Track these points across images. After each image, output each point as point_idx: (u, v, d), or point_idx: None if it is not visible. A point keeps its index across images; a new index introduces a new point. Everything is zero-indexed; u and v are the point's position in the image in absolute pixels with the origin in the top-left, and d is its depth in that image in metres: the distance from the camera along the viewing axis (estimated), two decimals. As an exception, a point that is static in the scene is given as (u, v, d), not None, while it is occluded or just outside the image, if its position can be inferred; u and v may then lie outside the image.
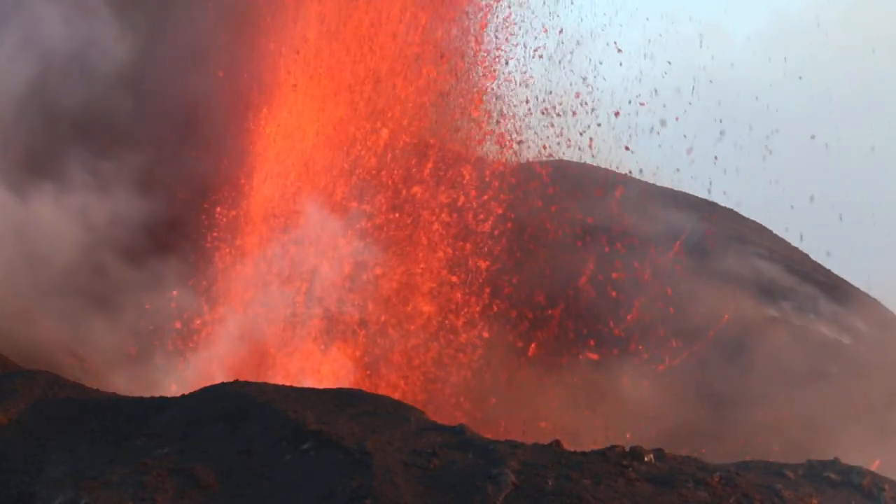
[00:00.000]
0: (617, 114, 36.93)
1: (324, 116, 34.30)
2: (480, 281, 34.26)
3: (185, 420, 21.99)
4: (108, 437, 21.87)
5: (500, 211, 35.09)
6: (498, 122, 36.56)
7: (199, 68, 34.38)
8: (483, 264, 34.49)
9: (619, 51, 37.37)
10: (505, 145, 36.55)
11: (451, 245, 34.44)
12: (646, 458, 21.35)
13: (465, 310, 33.84)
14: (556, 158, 37.75)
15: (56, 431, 22.07)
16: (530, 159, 37.57)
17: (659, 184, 40.35)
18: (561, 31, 36.86)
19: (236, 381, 23.45)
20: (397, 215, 34.23)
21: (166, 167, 33.84)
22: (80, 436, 21.96)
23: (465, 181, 35.19)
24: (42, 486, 20.51)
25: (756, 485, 21.45)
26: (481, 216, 34.96)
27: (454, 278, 34.06)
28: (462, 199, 34.94)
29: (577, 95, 36.84)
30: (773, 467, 23.37)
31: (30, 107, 32.90)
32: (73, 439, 21.83)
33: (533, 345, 33.49)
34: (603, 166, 38.57)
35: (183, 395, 23.24)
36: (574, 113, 37.09)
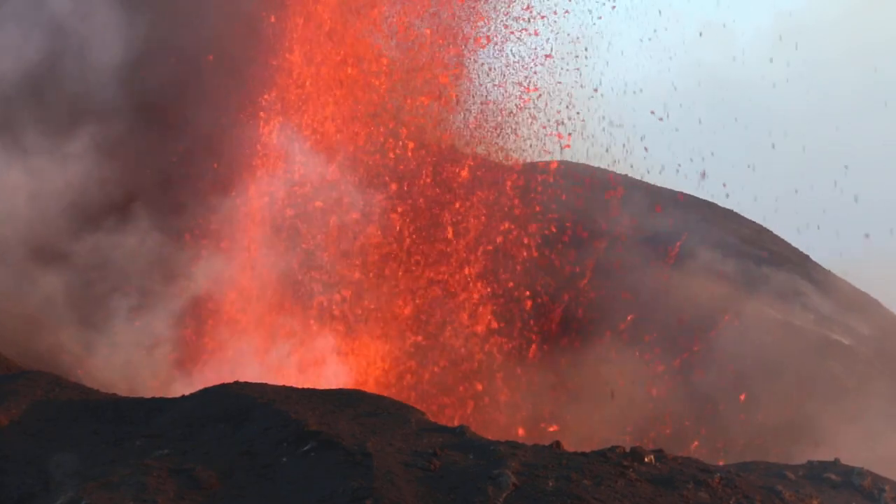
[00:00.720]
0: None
1: (333, 112, 33.55)
2: (520, 325, 33.78)
3: (186, 421, 22.01)
4: (109, 438, 21.88)
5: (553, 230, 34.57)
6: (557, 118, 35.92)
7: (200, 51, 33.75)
8: (528, 303, 34.00)
9: (657, 116, 37.23)
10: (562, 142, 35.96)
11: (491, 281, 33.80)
12: (646, 459, 21.37)
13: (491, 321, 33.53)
14: (556, 159, 37.74)
15: (57, 432, 22.08)
16: (531, 160, 37.53)
17: (659, 184, 40.38)
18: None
19: (236, 382, 23.47)
20: (423, 246, 33.63)
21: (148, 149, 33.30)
22: (80, 437, 21.97)
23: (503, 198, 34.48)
24: (42, 486, 20.52)
25: (757, 486, 21.47)
26: (525, 240, 34.36)
27: (495, 325, 33.52)
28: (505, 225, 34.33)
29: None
30: (773, 468, 23.40)
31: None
32: (73, 440, 21.85)
33: (533, 346, 33.48)
34: (603, 167, 38.60)
35: (184, 396, 23.26)
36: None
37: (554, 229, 34.89)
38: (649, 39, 39.36)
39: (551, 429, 31.57)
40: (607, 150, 37.35)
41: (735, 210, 41.60)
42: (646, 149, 37.69)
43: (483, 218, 34.15)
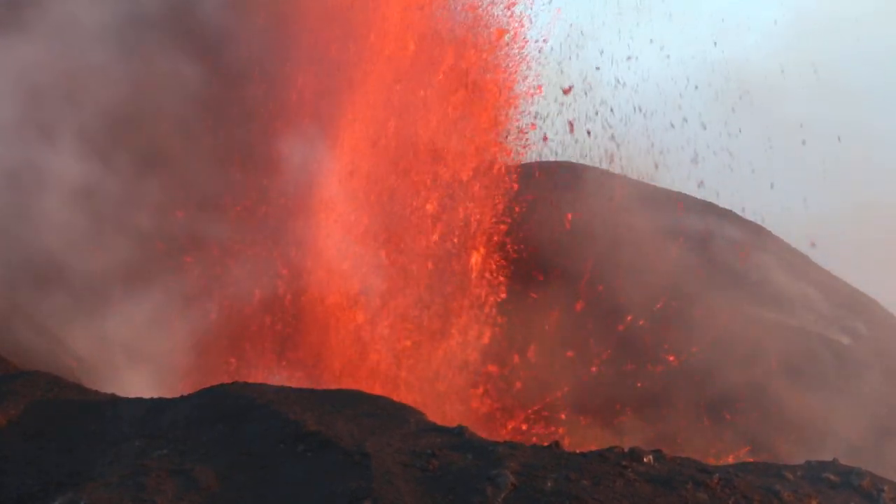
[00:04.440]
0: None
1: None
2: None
3: (185, 421, 22.03)
4: (108, 438, 21.90)
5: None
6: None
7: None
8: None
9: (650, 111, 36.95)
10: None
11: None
12: (645, 459, 21.39)
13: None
14: (555, 160, 37.72)
15: (56, 432, 22.10)
16: (528, 161, 37.48)
17: (659, 185, 40.36)
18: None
19: (235, 383, 23.51)
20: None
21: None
22: (79, 437, 21.99)
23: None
24: (42, 486, 20.54)
25: (755, 486, 21.49)
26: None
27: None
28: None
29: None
30: (772, 468, 23.39)
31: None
32: (72, 440, 21.87)
33: (532, 346, 33.50)
34: (602, 167, 38.57)
35: (182, 397, 23.28)
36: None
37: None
38: (651, 41, 39.24)
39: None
40: (606, 150, 37.37)
41: (734, 210, 41.58)
42: (669, 151, 37.73)
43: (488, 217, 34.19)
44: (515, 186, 34.52)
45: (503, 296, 33.55)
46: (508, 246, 34.28)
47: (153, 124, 31.93)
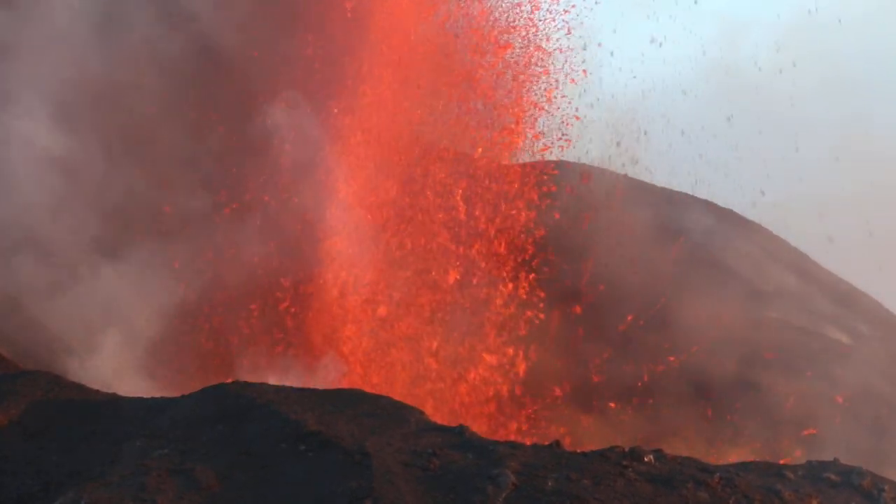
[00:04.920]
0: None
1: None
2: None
3: (186, 421, 22.03)
4: (108, 438, 21.90)
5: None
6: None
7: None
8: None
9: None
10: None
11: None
12: (645, 459, 21.39)
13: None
14: (555, 159, 37.69)
15: (56, 432, 22.10)
16: (528, 160, 37.44)
17: (659, 184, 40.41)
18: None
19: (236, 382, 23.50)
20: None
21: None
22: (79, 436, 21.99)
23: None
24: (42, 486, 20.54)
25: (756, 485, 21.49)
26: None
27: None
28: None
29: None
30: (773, 468, 23.39)
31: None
32: (72, 440, 21.86)
33: (532, 346, 33.48)
34: (602, 166, 38.58)
35: (183, 396, 23.27)
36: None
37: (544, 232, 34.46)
38: (657, 43, 39.10)
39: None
40: (608, 150, 37.38)
41: (734, 210, 41.65)
42: (668, 150, 37.69)
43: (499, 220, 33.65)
44: (554, 188, 33.48)
45: (542, 315, 32.58)
46: (538, 257, 33.23)
47: (149, 116, 31.78)
